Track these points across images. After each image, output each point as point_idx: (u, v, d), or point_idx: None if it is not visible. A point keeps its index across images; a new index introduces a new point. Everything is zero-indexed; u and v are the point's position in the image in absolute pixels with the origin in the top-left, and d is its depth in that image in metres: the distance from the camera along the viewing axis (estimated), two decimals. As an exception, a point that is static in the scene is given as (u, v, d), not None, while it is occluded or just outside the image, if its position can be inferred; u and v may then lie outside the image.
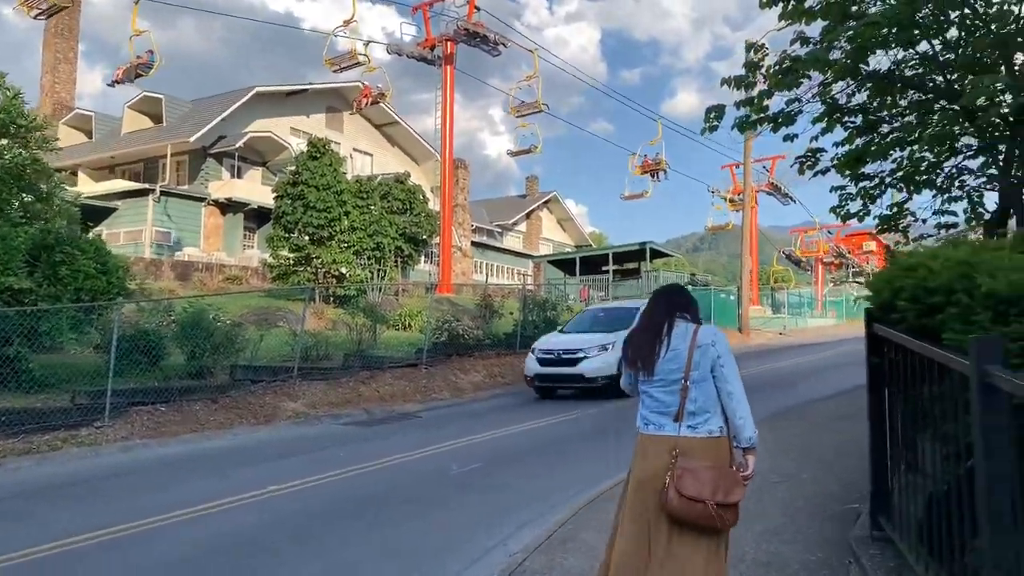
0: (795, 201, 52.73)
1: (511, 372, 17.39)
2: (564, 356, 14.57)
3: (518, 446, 10.00)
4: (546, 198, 61.20)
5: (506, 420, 11.92)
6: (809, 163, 10.09)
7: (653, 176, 42.51)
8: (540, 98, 35.44)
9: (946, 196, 10.48)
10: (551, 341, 15.42)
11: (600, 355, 14.17)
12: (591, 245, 59.59)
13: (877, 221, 10.78)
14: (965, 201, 10.44)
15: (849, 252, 63.15)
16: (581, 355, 14.35)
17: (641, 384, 3.61)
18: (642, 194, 43.52)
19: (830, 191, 11.14)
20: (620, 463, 8.10)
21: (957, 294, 3.70)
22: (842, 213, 11.14)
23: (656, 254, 38.93)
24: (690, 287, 35.30)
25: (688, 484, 3.29)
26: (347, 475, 8.48)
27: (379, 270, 24.91)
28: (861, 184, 10.26)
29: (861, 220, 10.82)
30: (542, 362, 14.91)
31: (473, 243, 49.72)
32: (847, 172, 10.02)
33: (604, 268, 38.59)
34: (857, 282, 62.50)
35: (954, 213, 10.39)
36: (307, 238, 23.99)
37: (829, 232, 60.72)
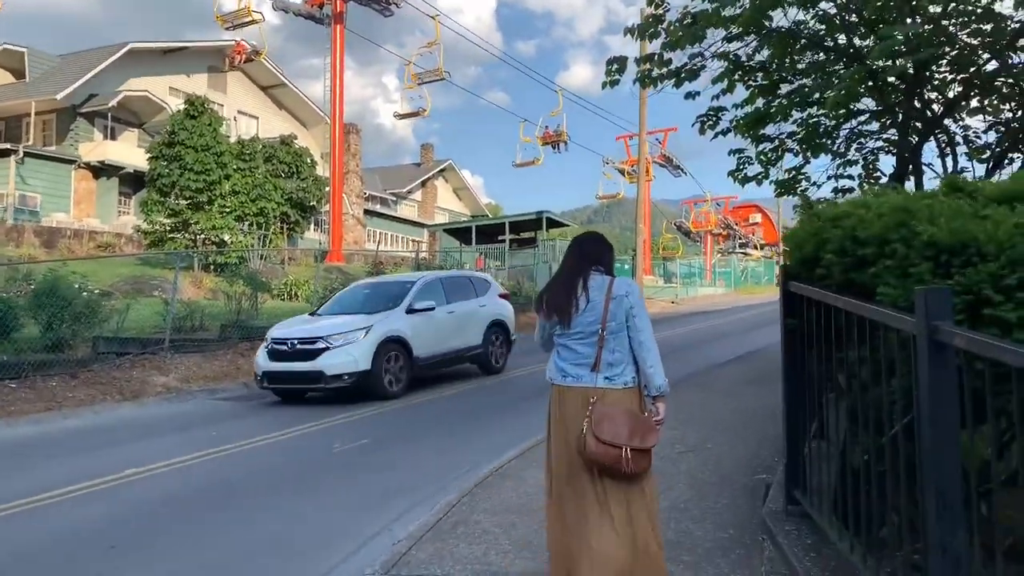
0: (686, 173, 53.76)
1: (403, 342, 16.70)
2: (300, 348, 10.71)
3: (408, 423, 9.37)
4: (441, 166, 60.19)
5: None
6: (710, 123, 9.78)
7: (554, 147, 42.33)
8: (442, 65, 34.42)
9: (843, 160, 10.42)
10: (292, 327, 11.49)
11: (347, 346, 10.54)
12: (487, 215, 58.97)
13: (775, 186, 10.63)
14: (860, 165, 10.42)
15: (736, 224, 65.11)
16: (322, 346, 10.59)
17: (557, 337, 3.61)
18: (533, 161, 43.20)
19: (728, 154, 10.92)
20: (524, 436, 7.72)
21: (893, 244, 3.30)
22: (740, 177, 10.94)
23: (552, 223, 38.65)
24: (585, 256, 35.39)
25: (605, 429, 3.34)
26: (218, 456, 7.68)
27: (263, 236, 23.60)
28: (761, 146, 10.05)
29: (759, 184, 10.63)
30: (273, 355, 10.86)
31: (366, 211, 48.33)
32: (748, 133, 9.77)
33: (500, 237, 38.06)
34: (744, 253, 64.61)
35: (851, 177, 10.33)
36: (184, 202, 22.49)
37: (718, 204, 62.36)
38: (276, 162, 25.10)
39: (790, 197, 11.29)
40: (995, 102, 8.55)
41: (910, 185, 8.92)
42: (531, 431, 7.11)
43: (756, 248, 65.82)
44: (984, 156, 8.80)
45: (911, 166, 9.01)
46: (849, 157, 9.93)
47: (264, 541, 5.16)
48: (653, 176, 48.12)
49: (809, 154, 10.01)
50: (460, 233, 39.96)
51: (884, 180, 9.67)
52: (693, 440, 7.05)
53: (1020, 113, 8.38)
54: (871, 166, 10.26)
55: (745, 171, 11.06)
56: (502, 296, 14.04)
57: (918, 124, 8.82)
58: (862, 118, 9.55)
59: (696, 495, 5.36)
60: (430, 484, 6.27)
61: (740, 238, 64.27)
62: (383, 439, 8.25)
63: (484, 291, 13.38)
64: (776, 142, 9.74)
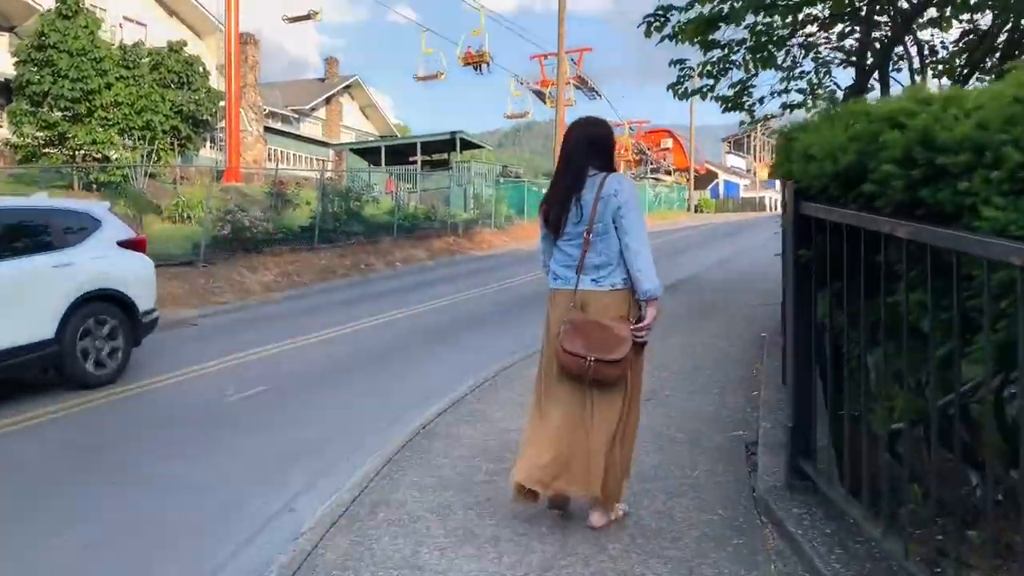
0: (601, 96, 52.73)
1: (309, 270, 15.36)
2: None
3: (315, 363, 8.22)
4: (347, 82, 57.19)
5: (302, 328, 10.04)
6: (657, 24, 8.71)
7: (476, 68, 40.53)
8: None
9: (789, 75, 9.57)
10: None
11: None
12: (396, 136, 56.63)
13: (720, 102, 9.72)
14: (806, 79, 9.60)
15: (649, 149, 64.76)
16: None
17: (557, 241, 3.53)
18: (437, 75, 41.28)
19: (669, 65, 9.93)
20: (447, 388, 6.72)
21: (1001, 148, 2.34)
22: (680, 91, 9.99)
23: (467, 144, 37.10)
24: (502, 180, 34.39)
25: (568, 339, 3.35)
26: (73, 411, 6.41)
27: (150, 152, 21.43)
28: (709, 54, 9.07)
29: (704, 98, 9.70)
30: None
31: (267, 129, 45.48)
32: (695, 39, 8.75)
33: (412, 159, 36.34)
34: (655, 178, 64.40)
35: (800, 91, 9.51)
36: (59, 114, 20.06)
37: (631, 129, 61.75)
38: (164, 71, 22.67)
39: (722, 116, 10.46)
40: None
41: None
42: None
43: (667, 173, 65.81)
44: (954, 67, 8.04)
45: (876, 77, 8.20)
46: (803, 69, 9.08)
47: (133, 526, 4.02)
48: (573, 100, 46.80)
49: (758, 66, 9.10)
50: (368, 153, 38.09)
51: (839, 95, 8.86)
52: (645, 387, 6.18)
53: (996, 20, 7.59)
54: (822, 79, 9.42)
55: (687, 85, 10.11)
56: (129, 244, 7.86)
57: (884, 30, 7.98)
58: (817, 24, 8.66)
59: (666, 460, 4.47)
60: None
61: (652, 163, 64.00)
62: (284, 385, 7.10)
63: (80, 238, 7.38)
64: (725, 50, 8.77)
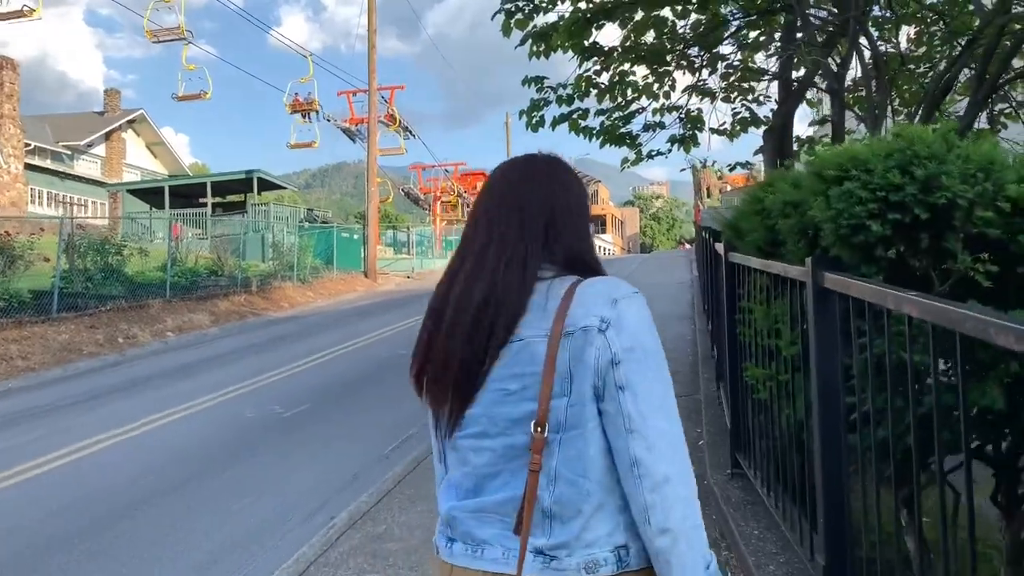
0: (414, 135, 50.41)
1: (41, 349, 11.51)
2: None
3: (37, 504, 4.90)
4: (130, 116, 51.44)
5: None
6: (520, 16, 6.25)
7: (304, 116, 37.27)
8: (183, 24, 27.49)
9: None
10: None
11: None
12: (189, 176, 51.19)
13: (602, 138, 7.40)
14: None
15: (465, 191, 63.09)
16: None
17: (445, 438, 1.40)
18: (311, 144, 37.70)
19: (523, 83, 7.55)
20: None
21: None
22: (535, 119, 7.62)
23: (266, 185, 33.31)
24: (306, 224, 30.95)
25: None
26: None
27: None
28: (586, 67, 6.73)
29: (576, 130, 7.34)
30: None
31: (31, 166, 39.31)
32: (568, 43, 6.38)
33: (202, 200, 32.10)
34: (470, 221, 62.54)
35: (691, 121, 7.40)
36: None
37: (446, 171, 59.81)
38: None
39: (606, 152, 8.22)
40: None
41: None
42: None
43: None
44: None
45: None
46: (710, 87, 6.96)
47: None
48: (404, 149, 44.24)
49: (646, 88, 6.88)
50: (150, 195, 33.33)
51: (765, 124, 6.77)
52: None
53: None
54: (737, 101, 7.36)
55: (543, 112, 7.73)
56: None
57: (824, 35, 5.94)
58: (736, 28, 6.55)
59: None
60: None
61: (469, 206, 62.38)
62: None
63: None
64: (613, 57, 6.45)
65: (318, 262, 23.52)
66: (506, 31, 6.24)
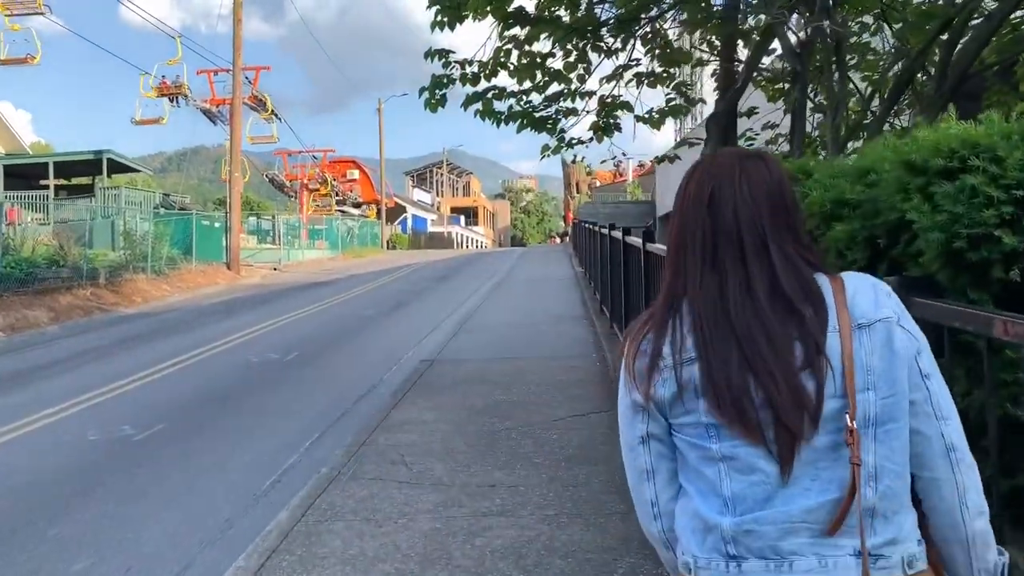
0: (280, 119, 48.00)
1: None
2: None
3: None
4: (-42, 87, 46.36)
5: None
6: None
7: (172, 100, 34.71)
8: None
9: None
10: None
11: None
12: (29, 155, 46.61)
13: (525, 123, 6.53)
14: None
15: (334, 179, 60.84)
16: None
17: (699, 438, 1.28)
18: (158, 120, 34.67)
19: (426, 57, 6.69)
20: None
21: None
22: (437, 97, 6.78)
23: (117, 167, 30.42)
24: (162, 210, 28.52)
25: None
26: None
27: None
28: (510, 33, 5.88)
29: (487, 116, 6.47)
30: None
31: None
32: (489, 7, 5.52)
33: (44, 182, 29.03)
34: (342, 211, 60.50)
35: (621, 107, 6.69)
36: None
37: (315, 157, 57.49)
38: None
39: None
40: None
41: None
42: None
43: (355, 206, 62.40)
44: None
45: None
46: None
47: None
48: (276, 136, 42.15)
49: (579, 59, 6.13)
50: (-19, 175, 29.84)
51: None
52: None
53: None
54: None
55: (444, 91, 6.84)
56: None
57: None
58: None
59: None
60: None
61: (338, 195, 60.19)
62: None
63: None
64: (539, 26, 5.63)
65: (176, 252, 21.54)
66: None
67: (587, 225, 18.96)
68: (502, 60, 6.02)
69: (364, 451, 5.67)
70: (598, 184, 69.99)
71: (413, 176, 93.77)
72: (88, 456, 6.32)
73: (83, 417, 7.48)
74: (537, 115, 6.13)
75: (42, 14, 24.76)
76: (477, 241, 79.63)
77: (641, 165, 64.95)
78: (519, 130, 6.10)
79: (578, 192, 73.30)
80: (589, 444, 5.61)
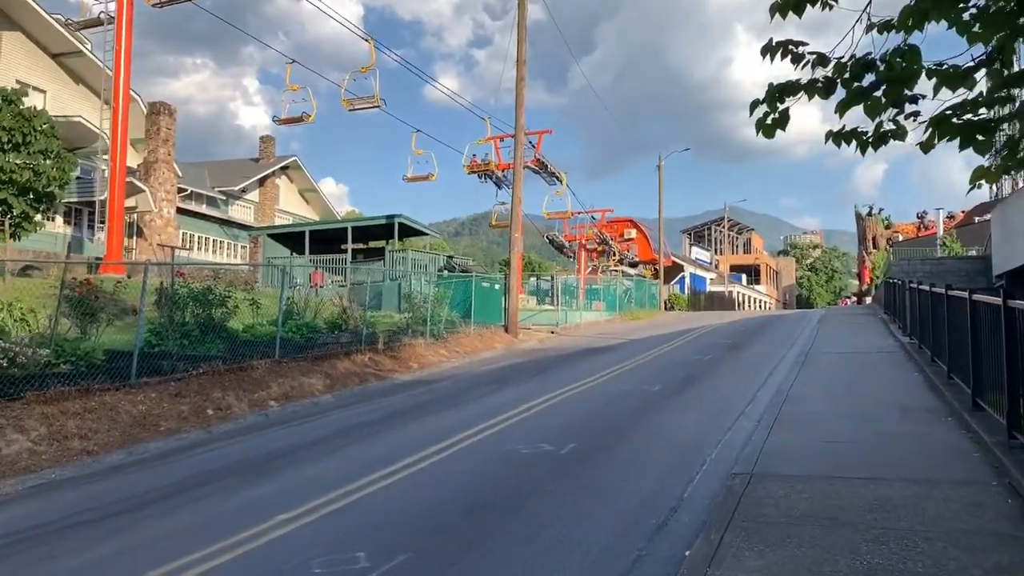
0: (561, 181, 48.17)
1: (110, 425, 9.41)
2: None
3: None
4: (284, 162, 52.09)
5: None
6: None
7: (482, 177, 36.33)
8: (378, 93, 26.52)
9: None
10: None
11: None
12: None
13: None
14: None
15: (612, 239, 60.11)
16: None
17: None
18: (427, 176, 36.34)
19: (761, 53, 4.65)
20: None
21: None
22: (776, 117, 4.65)
23: (408, 231, 31.62)
24: (445, 272, 28.80)
25: None
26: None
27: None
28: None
29: (841, 114, 4.25)
30: None
31: (184, 211, 39.85)
32: None
33: (343, 246, 30.81)
34: (615, 271, 59.43)
35: None
36: None
37: (593, 217, 57.16)
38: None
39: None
40: None
41: None
42: None
43: (632, 265, 61.08)
44: None
45: None
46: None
47: None
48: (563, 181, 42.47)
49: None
50: (291, 239, 32.36)
51: None
52: None
53: None
54: None
55: (786, 104, 4.72)
56: None
57: None
58: None
59: None
60: None
61: (616, 254, 59.26)
62: None
63: None
64: None
65: (455, 315, 21.09)
66: None
67: (917, 285, 15.53)
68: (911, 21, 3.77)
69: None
70: (900, 238, 62.46)
71: (690, 234, 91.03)
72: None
73: (315, 531, 6.16)
74: (976, 120, 3.77)
75: (378, 107, 26.17)
76: (760, 301, 74.66)
77: (951, 216, 57.13)
78: (928, 146, 3.82)
79: (875, 247, 65.92)
80: None
